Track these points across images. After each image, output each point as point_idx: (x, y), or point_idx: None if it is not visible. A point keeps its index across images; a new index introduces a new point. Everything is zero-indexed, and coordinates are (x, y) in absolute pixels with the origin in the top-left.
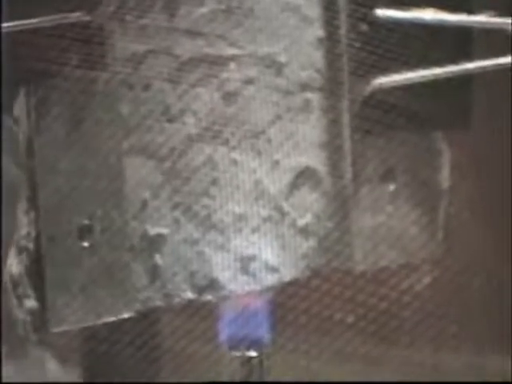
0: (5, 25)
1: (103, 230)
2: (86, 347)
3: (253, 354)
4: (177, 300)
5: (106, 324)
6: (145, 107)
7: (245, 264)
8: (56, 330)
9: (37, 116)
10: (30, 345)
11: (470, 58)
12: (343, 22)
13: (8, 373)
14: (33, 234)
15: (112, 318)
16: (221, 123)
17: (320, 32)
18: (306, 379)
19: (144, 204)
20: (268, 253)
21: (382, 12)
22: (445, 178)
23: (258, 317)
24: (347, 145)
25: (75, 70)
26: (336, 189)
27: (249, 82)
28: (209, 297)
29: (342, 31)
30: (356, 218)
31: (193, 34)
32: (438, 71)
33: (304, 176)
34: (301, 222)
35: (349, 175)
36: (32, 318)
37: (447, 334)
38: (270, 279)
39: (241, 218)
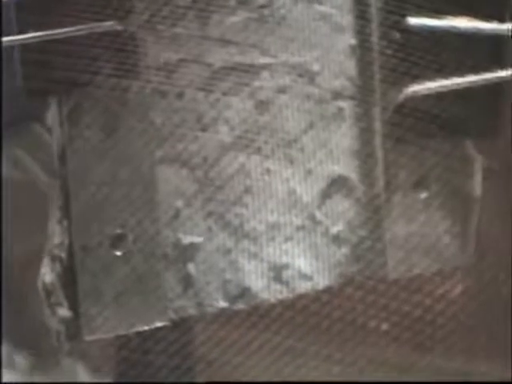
0: (37, 34)
1: (136, 238)
2: (118, 356)
3: None
4: (209, 309)
5: (138, 333)
6: (178, 116)
7: (278, 272)
8: (89, 338)
9: (69, 125)
10: (62, 354)
11: (502, 65)
12: (375, 30)
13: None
14: (66, 243)
15: (145, 327)
16: (254, 132)
17: (352, 40)
18: None
19: (177, 213)
20: (301, 261)
21: (414, 20)
22: (477, 185)
23: None
24: (379, 153)
25: (108, 79)
26: (368, 197)
27: (281, 90)
28: (241, 305)
29: (374, 39)
30: (388, 226)
31: (225, 42)
32: (470, 79)
33: (337, 184)
34: (334, 231)
35: (381, 183)
36: (65, 327)
37: (480, 342)
38: (303, 287)
39: (274, 226)
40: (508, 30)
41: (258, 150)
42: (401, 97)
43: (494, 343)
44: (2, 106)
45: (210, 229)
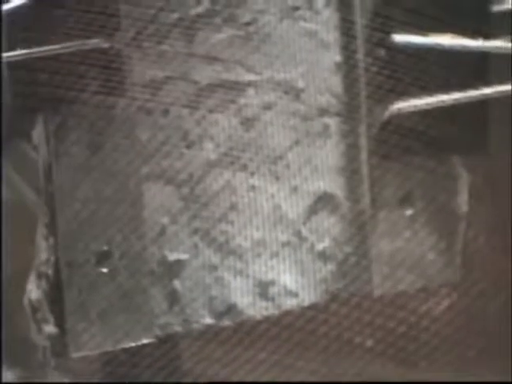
0: (24, 51)
1: (122, 255)
2: (104, 372)
3: None
4: (196, 325)
5: (125, 349)
6: (163, 133)
7: (264, 289)
8: (75, 355)
9: (56, 142)
10: (48, 369)
11: (487, 83)
12: (360, 47)
13: None
14: (52, 259)
15: (131, 344)
16: (239, 149)
17: (337, 57)
18: None
19: (163, 229)
20: (287, 277)
21: (399, 37)
22: (463, 202)
23: None
24: (365, 169)
25: (94, 96)
26: (354, 213)
27: (267, 107)
28: (227, 322)
29: (360, 56)
30: (374, 243)
31: (211, 59)
32: (455, 96)
33: (322, 201)
34: (319, 247)
35: (367, 200)
36: (51, 344)
37: (465, 358)
38: (289, 304)
39: (259, 243)
40: (492, 47)
41: (244, 167)
42: (386, 114)
43: (481, 358)
44: (1, 124)
45: (195, 245)
